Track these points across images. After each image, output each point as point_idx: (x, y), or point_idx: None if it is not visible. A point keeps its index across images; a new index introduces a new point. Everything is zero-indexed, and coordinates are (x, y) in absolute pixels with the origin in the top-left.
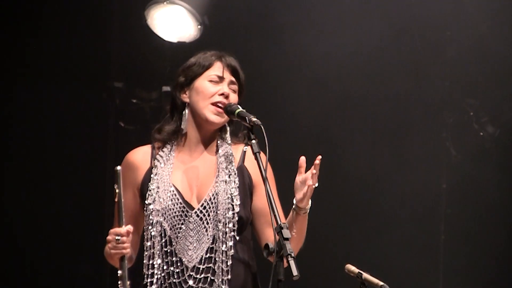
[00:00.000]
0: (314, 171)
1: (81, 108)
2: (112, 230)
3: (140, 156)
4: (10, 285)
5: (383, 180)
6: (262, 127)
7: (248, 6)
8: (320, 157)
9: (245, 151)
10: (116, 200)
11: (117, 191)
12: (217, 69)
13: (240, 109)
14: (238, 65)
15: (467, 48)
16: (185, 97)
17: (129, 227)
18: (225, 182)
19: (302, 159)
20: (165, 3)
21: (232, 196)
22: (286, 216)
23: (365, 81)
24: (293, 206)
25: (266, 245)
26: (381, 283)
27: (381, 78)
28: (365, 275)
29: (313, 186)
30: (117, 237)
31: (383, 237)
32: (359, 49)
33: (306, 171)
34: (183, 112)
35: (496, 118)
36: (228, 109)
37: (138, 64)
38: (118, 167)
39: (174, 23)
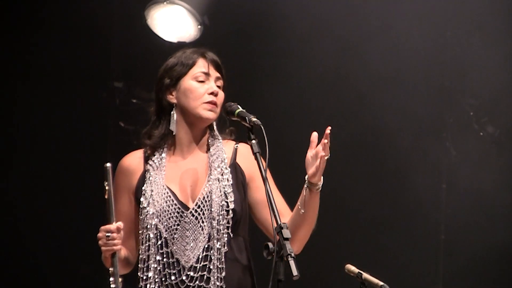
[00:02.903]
0: (326, 141)
1: (81, 108)
2: (102, 227)
3: (133, 160)
4: (10, 284)
5: (383, 180)
6: (262, 127)
7: (248, 6)
8: (330, 127)
9: (236, 148)
10: (106, 197)
11: (106, 188)
12: (202, 66)
13: (240, 109)
14: (219, 60)
15: (467, 48)
16: (171, 98)
17: (120, 224)
18: (218, 180)
19: (314, 134)
20: (165, 3)
21: (226, 194)
22: (291, 207)
23: (364, 80)
24: (305, 184)
25: (266, 245)
26: (381, 283)
27: (381, 77)
28: (365, 275)
29: (325, 158)
30: (107, 234)
31: (383, 237)
32: (359, 49)
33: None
34: (171, 113)
35: (496, 118)
36: (228, 109)
37: (138, 64)
38: (108, 164)
39: (174, 23)
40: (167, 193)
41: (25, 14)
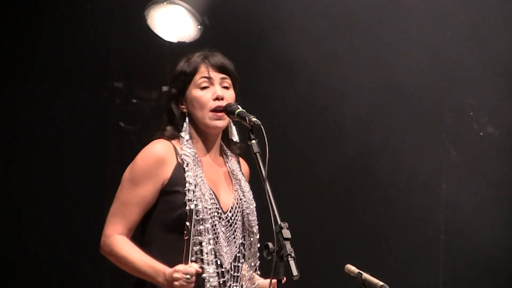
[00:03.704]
0: None
1: (81, 108)
2: (181, 268)
3: (167, 150)
4: (11, 284)
5: (383, 180)
6: (262, 127)
7: (248, 6)
8: None
9: (238, 160)
10: (185, 237)
11: (189, 228)
12: (202, 71)
13: (240, 109)
14: (224, 59)
15: (467, 48)
16: (183, 108)
17: (199, 268)
18: (246, 190)
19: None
20: (165, 3)
21: (249, 202)
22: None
23: (364, 80)
24: None
25: (266, 245)
26: (381, 283)
27: (381, 77)
28: (365, 275)
29: None
30: (187, 276)
31: (383, 237)
32: (359, 49)
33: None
34: (185, 122)
35: (496, 118)
36: (228, 109)
37: (138, 64)
38: (193, 206)
39: (174, 23)
40: (209, 190)
41: (25, 14)
